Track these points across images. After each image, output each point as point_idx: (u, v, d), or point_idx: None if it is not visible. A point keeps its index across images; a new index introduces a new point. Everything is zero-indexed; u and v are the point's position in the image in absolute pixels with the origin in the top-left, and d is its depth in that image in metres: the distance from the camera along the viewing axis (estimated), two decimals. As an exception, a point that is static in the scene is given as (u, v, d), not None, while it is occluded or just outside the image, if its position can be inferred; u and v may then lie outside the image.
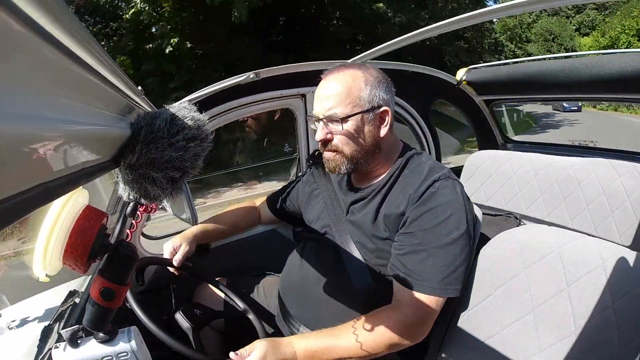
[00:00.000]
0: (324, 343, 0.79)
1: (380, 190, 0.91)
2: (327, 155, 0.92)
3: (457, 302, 0.92)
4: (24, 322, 0.87)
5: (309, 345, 0.79)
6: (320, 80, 0.92)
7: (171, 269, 1.01)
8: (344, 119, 0.86)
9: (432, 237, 0.81)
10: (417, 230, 0.82)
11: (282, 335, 0.95)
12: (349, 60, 1.28)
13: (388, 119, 0.90)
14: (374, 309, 0.83)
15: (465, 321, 0.89)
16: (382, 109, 0.89)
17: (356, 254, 0.91)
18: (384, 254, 0.87)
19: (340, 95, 0.86)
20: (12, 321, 0.87)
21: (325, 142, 0.90)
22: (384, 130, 0.90)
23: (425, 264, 0.80)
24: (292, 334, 0.94)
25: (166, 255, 1.03)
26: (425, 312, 0.80)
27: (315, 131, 0.93)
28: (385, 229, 0.87)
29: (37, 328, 0.81)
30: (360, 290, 0.89)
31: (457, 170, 1.70)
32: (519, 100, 1.82)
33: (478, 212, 0.99)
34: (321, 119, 0.89)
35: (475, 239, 0.89)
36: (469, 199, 0.87)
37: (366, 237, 0.90)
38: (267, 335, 0.89)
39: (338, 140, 0.89)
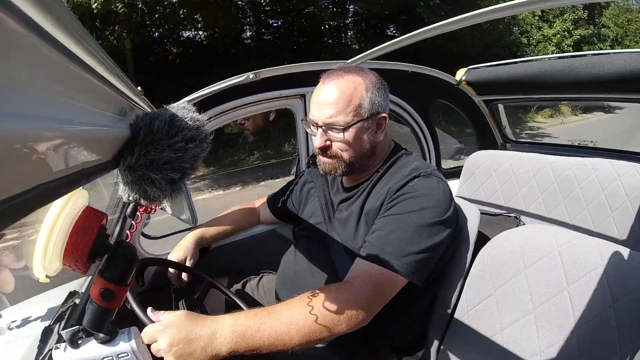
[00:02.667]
0: (257, 320, 0.69)
1: (365, 189, 0.92)
2: (323, 159, 0.91)
3: (457, 302, 0.92)
4: (24, 322, 0.87)
5: (238, 321, 0.69)
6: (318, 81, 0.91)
7: (174, 274, 1.02)
8: (345, 128, 0.85)
9: (400, 220, 0.80)
10: (389, 214, 0.82)
11: None
12: (349, 61, 1.28)
13: (385, 124, 0.91)
14: None
15: (466, 321, 0.89)
16: (380, 115, 0.89)
17: (343, 250, 0.91)
18: None
19: (341, 104, 0.84)
20: (13, 322, 0.87)
21: (325, 149, 0.89)
22: (381, 135, 0.91)
23: (387, 238, 0.79)
24: None
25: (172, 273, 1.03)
26: (377, 285, 0.75)
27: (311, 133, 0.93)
28: (366, 225, 0.87)
29: (37, 329, 0.81)
30: None
31: (457, 171, 1.70)
32: (519, 100, 1.82)
33: (477, 212, 0.98)
34: (320, 126, 0.87)
35: (448, 239, 0.83)
36: (451, 199, 0.84)
37: (351, 234, 0.90)
38: None
39: (337, 147, 0.88)
